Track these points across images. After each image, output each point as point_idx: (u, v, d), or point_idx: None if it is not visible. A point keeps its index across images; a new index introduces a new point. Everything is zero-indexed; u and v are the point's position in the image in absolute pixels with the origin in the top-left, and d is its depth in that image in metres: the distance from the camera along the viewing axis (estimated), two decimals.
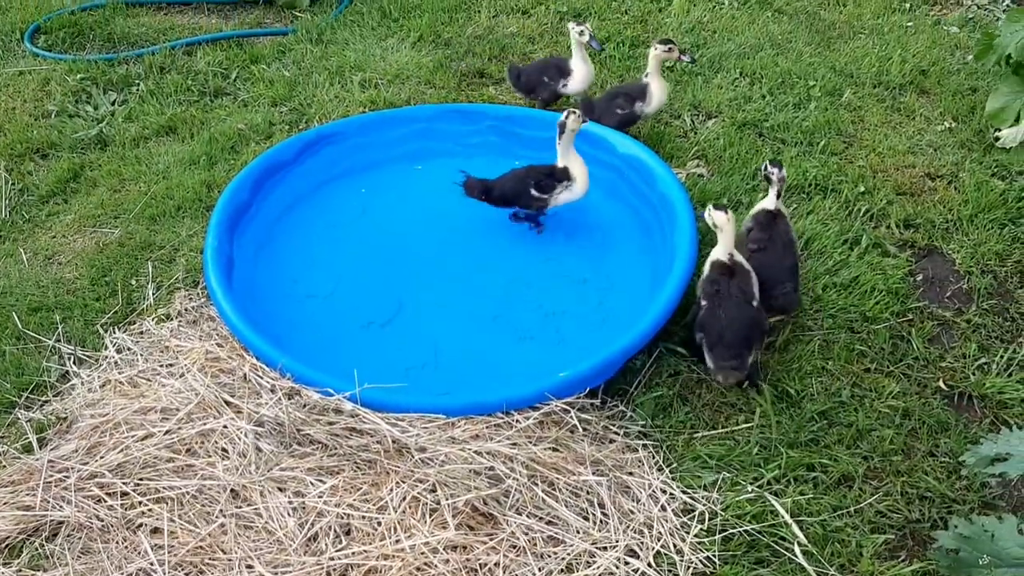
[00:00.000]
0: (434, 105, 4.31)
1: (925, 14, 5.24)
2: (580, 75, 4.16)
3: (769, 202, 3.36)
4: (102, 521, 2.72)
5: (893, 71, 4.68)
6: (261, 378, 3.02)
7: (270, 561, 2.59)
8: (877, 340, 3.33)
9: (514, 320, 3.36)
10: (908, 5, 5.33)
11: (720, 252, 3.18)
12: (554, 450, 2.86)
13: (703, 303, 3.14)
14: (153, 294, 3.57)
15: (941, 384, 3.21)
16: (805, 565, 2.62)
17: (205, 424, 2.91)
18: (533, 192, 3.60)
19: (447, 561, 2.59)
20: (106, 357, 3.30)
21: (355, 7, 5.55)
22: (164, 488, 2.77)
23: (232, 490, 2.75)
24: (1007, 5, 5.32)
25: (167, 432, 2.91)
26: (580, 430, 2.92)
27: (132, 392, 3.11)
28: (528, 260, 3.60)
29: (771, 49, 4.86)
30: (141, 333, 3.39)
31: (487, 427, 2.88)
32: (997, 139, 4.25)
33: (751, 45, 4.89)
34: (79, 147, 4.46)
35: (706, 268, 3.21)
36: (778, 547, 2.69)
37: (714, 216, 3.18)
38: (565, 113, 3.54)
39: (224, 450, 2.87)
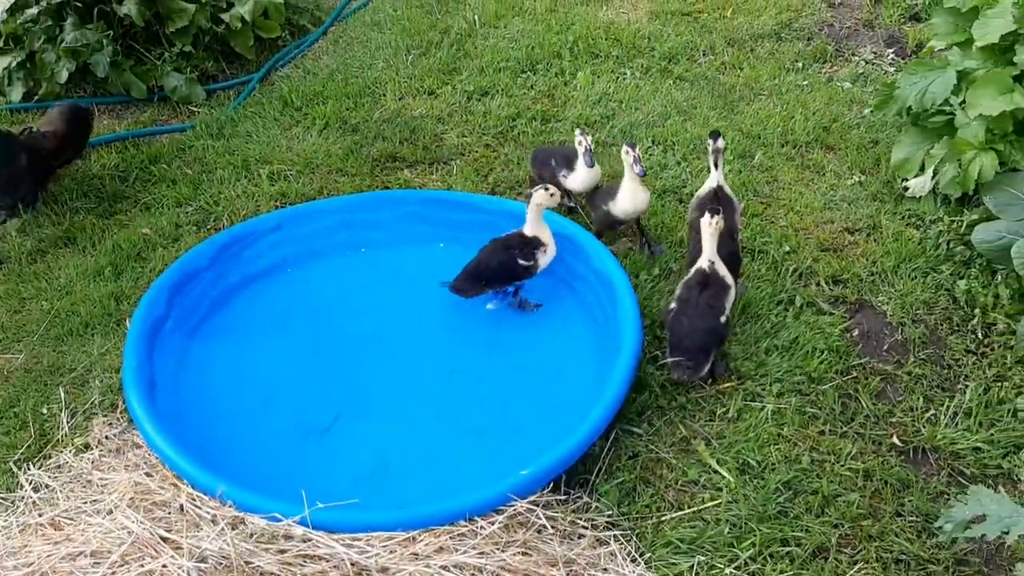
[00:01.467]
0: (348, 196, 4.19)
1: (818, 72, 5.41)
2: (581, 176, 4.06)
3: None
4: None
5: (797, 129, 4.79)
6: (199, 508, 2.80)
7: None
8: (826, 401, 3.33)
9: (462, 415, 3.24)
10: (800, 64, 5.49)
11: (703, 261, 3.31)
12: (524, 554, 2.73)
13: (672, 305, 3.30)
14: (68, 422, 3.33)
15: (895, 440, 3.21)
16: None
17: (143, 566, 2.66)
18: (521, 262, 3.51)
19: None
20: (22, 497, 3.03)
21: (254, 98, 5.41)
22: None
23: None
24: (891, 59, 5.55)
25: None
26: (548, 529, 2.78)
27: (56, 536, 2.85)
28: (468, 350, 3.49)
29: (678, 116, 4.93)
30: (59, 467, 3.15)
31: (450, 538, 2.73)
32: (906, 189, 4.36)
33: (658, 113, 4.94)
34: None
35: (690, 271, 3.33)
36: None
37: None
38: (536, 188, 3.54)
39: None
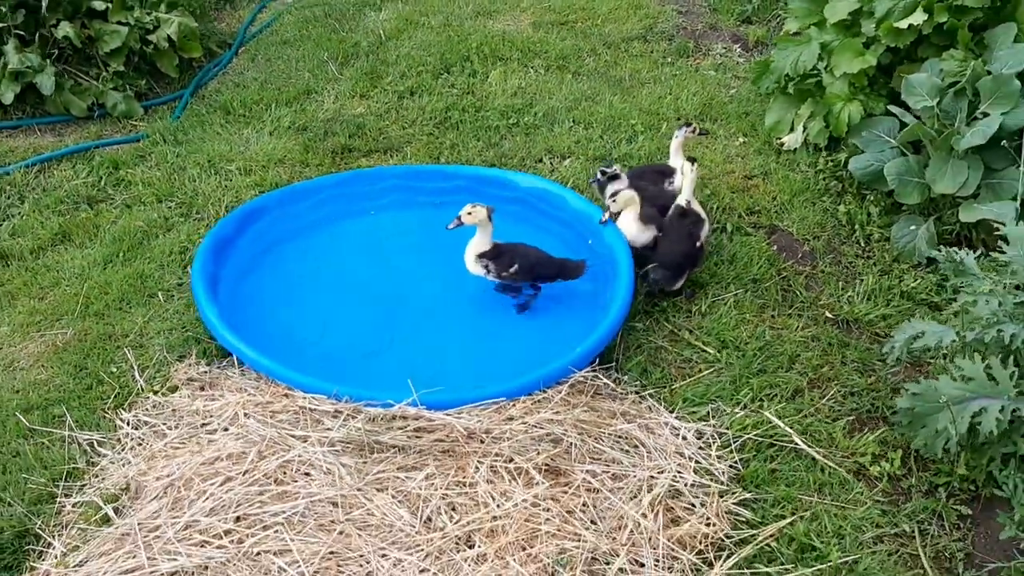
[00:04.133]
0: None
1: (686, 64, 6.44)
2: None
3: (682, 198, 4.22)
4: (217, 560, 2.87)
5: (686, 106, 5.77)
6: (317, 407, 3.29)
7: (400, 545, 2.90)
8: (771, 293, 4.22)
9: (499, 319, 3.88)
10: (670, 59, 6.51)
11: (681, 199, 4.15)
12: (590, 410, 3.41)
13: (658, 232, 4.14)
14: (141, 376, 3.67)
15: (828, 314, 4.14)
16: (806, 447, 3.37)
17: (283, 456, 3.14)
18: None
19: (548, 509, 3.03)
20: (127, 434, 3.39)
21: (192, 110, 5.81)
22: (268, 516, 2.97)
23: (334, 503, 3.02)
24: (739, 52, 6.68)
25: (245, 472, 3.11)
26: (602, 391, 3.49)
27: (181, 452, 3.25)
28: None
29: (587, 101, 5.79)
30: (153, 407, 3.51)
31: (532, 403, 3.38)
32: (782, 144, 5.42)
33: (571, 100, 5.79)
34: None
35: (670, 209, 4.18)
36: (778, 443, 3.41)
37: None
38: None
39: (308, 474, 3.12)
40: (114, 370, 3.71)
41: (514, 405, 3.32)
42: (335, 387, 3.28)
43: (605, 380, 3.55)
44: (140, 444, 3.33)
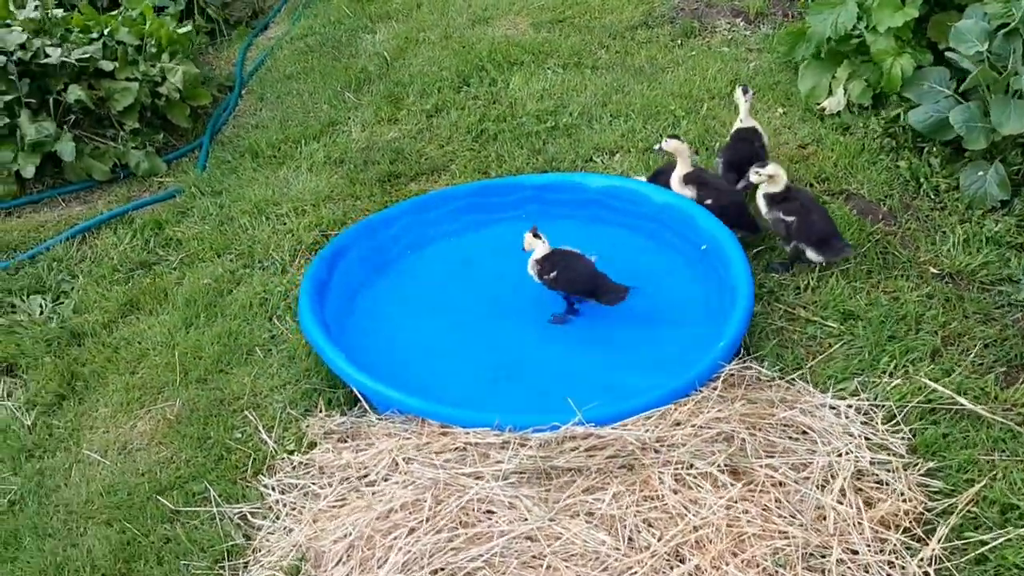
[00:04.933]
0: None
1: (698, 44, 6.41)
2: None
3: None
4: None
5: (713, 85, 5.73)
6: (481, 441, 3.17)
7: (612, 570, 2.79)
8: (872, 258, 4.19)
9: (601, 329, 3.83)
10: (679, 42, 6.47)
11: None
12: (749, 402, 3.34)
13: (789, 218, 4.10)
14: (269, 436, 3.52)
15: (933, 270, 4.12)
16: (972, 406, 3.33)
17: (461, 498, 3.01)
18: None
19: (745, 511, 2.95)
20: (278, 500, 3.24)
21: (217, 158, 5.62)
22: (467, 562, 2.85)
23: (530, 537, 2.90)
24: (743, 25, 6.67)
25: (427, 520, 2.98)
26: (753, 382, 3.42)
27: (347, 510, 3.10)
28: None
29: (618, 95, 5.72)
30: (294, 468, 3.35)
31: (693, 405, 3.29)
32: (823, 110, 5.40)
33: (601, 95, 5.72)
34: (52, 351, 4.15)
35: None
36: (940, 407, 3.37)
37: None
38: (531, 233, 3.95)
39: (491, 512, 3.00)
40: (239, 435, 3.55)
41: (676, 410, 3.23)
42: (496, 417, 3.14)
43: (759, 368, 3.47)
44: (295, 509, 3.17)
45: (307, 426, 3.49)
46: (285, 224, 4.86)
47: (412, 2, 7.47)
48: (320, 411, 3.57)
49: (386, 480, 3.14)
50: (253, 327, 4.14)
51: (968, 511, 2.98)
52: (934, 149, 4.90)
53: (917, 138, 4.98)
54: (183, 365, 3.94)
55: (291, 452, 3.41)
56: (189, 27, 6.16)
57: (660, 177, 4.59)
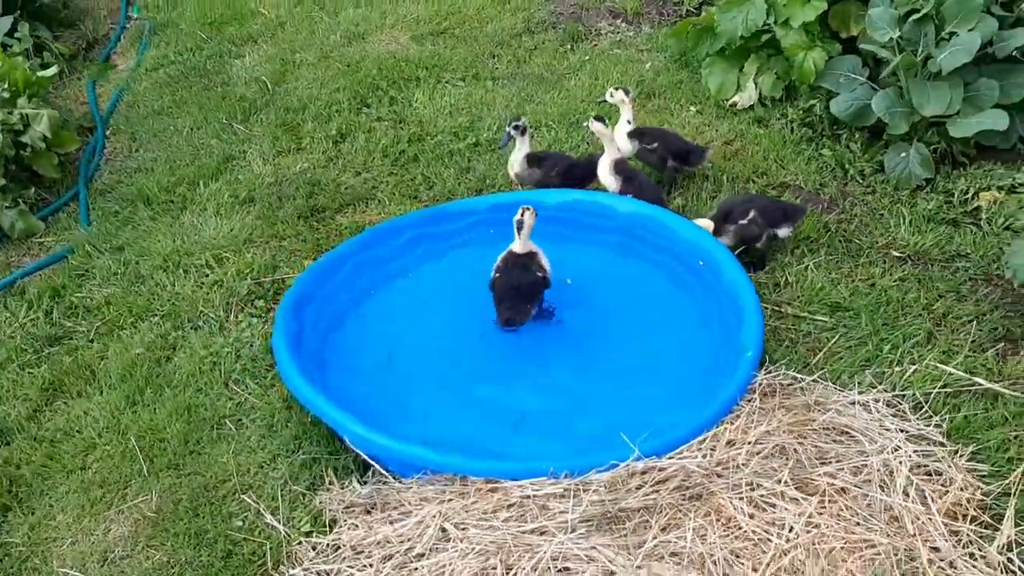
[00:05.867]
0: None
1: (588, 48, 6.35)
2: None
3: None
4: None
5: (636, 88, 5.67)
6: (537, 494, 2.92)
7: None
8: (836, 248, 4.25)
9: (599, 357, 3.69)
10: (569, 46, 6.40)
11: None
12: (785, 410, 3.26)
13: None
14: (277, 520, 3.12)
15: (895, 253, 4.22)
16: (989, 385, 3.40)
17: (533, 557, 2.76)
18: (539, 273, 3.83)
19: (818, 525, 2.87)
20: None
21: (101, 209, 5.02)
22: None
23: (611, 571, 2.69)
24: (625, 26, 6.68)
25: None
26: (781, 388, 3.35)
27: None
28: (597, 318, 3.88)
29: (531, 104, 5.58)
30: (319, 552, 2.99)
31: (736, 420, 3.18)
32: (733, 105, 5.46)
33: (512, 106, 5.55)
34: None
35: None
36: (959, 390, 3.42)
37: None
38: (520, 211, 3.80)
39: (567, 569, 2.77)
40: (240, 523, 3.13)
41: (726, 429, 3.10)
42: (551, 464, 2.90)
43: (780, 373, 3.40)
44: None
45: (320, 502, 3.11)
46: (208, 276, 4.38)
47: (272, 23, 7.01)
48: (329, 483, 3.19)
49: (439, 551, 2.82)
50: (211, 397, 3.69)
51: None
52: (854, 135, 5.03)
53: (834, 126, 5.11)
54: (144, 451, 3.44)
55: (308, 534, 3.04)
56: (54, 69, 5.47)
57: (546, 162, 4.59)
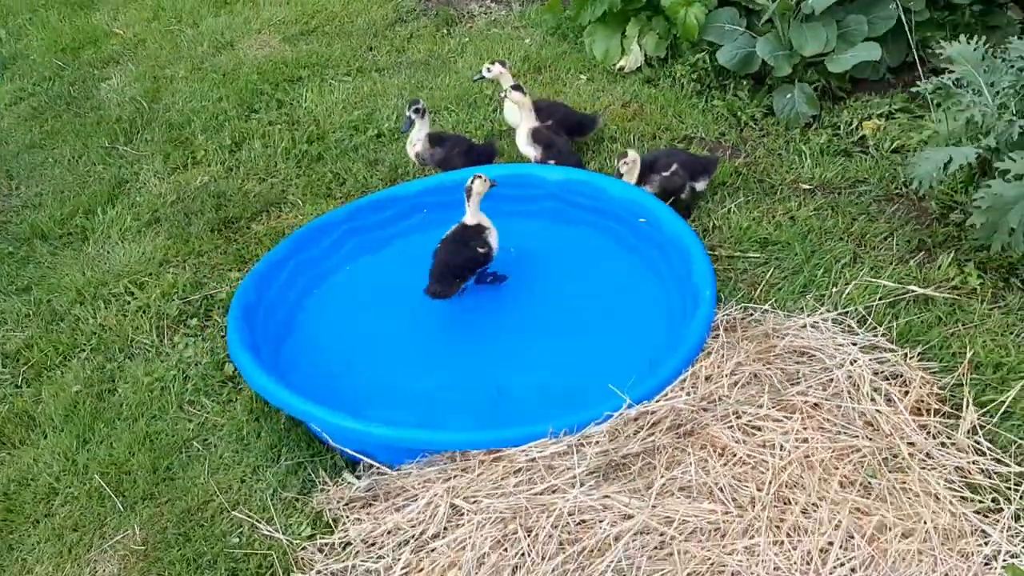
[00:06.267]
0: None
1: (467, 31, 6.39)
2: None
3: None
4: None
5: (521, 65, 5.75)
6: (541, 455, 2.97)
7: (734, 534, 2.76)
8: (752, 188, 4.47)
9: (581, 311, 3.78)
10: (446, 31, 6.42)
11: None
12: (749, 340, 3.42)
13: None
14: (276, 530, 3.06)
15: (805, 187, 4.46)
16: (922, 290, 3.66)
17: (550, 517, 2.82)
18: (480, 250, 3.86)
19: (805, 440, 3.03)
20: None
21: None
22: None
23: (643, 531, 2.78)
24: (495, 7, 6.76)
25: (528, 551, 2.76)
26: (737, 323, 3.51)
27: (435, 568, 2.79)
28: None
29: (423, 91, 5.57)
30: (329, 552, 2.95)
31: (708, 357, 3.32)
32: (622, 69, 5.63)
33: (406, 95, 5.53)
34: None
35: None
36: (895, 299, 3.67)
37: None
38: (471, 178, 3.84)
39: (583, 522, 2.84)
40: (237, 540, 3.05)
41: (701, 367, 3.23)
42: (549, 425, 2.95)
43: (744, 307, 3.56)
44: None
45: (317, 503, 3.06)
46: (129, 303, 4.21)
47: (131, 41, 6.74)
48: (323, 483, 3.14)
49: (455, 527, 2.83)
50: (168, 422, 3.56)
51: (972, 379, 3.25)
52: (740, 83, 5.27)
53: (720, 76, 5.33)
54: (112, 487, 3.29)
55: (310, 537, 2.99)
56: None
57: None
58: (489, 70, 4.69)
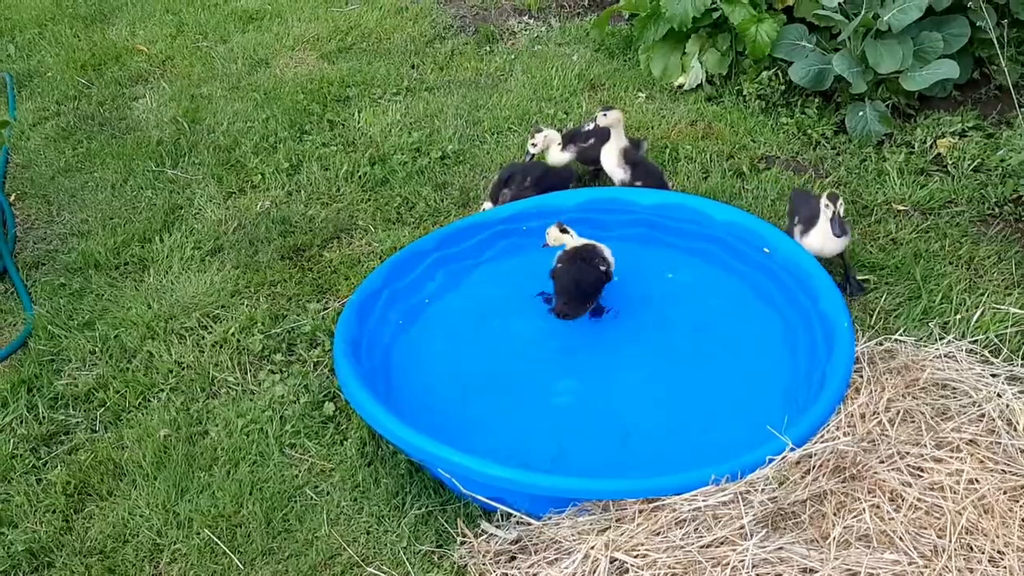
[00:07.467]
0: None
1: (512, 49, 6.23)
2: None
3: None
4: None
5: (568, 85, 5.61)
6: (705, 504, 2.80)
7: None
8: (848, 209, 4.32)
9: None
10: (488, 48, 6.26)
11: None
12: (892, 374, 3.28)
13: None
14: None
15: (899, 207, 4.35)
16: None
17: (725, 571, 2.65)
18: (602, 268, 3.71)
19: (972, 480, 2.90)
20: None
21: (46, 283, 4.45)
22: None
23: (809, 568, 2.62)
24: (532, 24, 6.61)
25: None
26: (874, 354, 3.37)
27: None
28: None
29: (481, 111, 5.38)
30: None
31: (857, 394, 3.17)
32: (681, 87, 5.50)
33: (464, 115, 5.36)
34: None
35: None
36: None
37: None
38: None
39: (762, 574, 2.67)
40: None
41: (852, 404, 3.08)
42: (712, 471, 2.78)
43: (873, 341, 3.41)
44: None
45: (460, 557, 2.86)
46: (205, 337, 3.97)
47: (157, 58, 6.48)
48: (461, 534, 2.93)
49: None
50: (272, 469, 3.34)
51: None
52: (808, 101, 5.16)
53: (786, 94, 5.22)
54: (226, 541, 3.05)
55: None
56: None
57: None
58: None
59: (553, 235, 3.72)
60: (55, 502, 3.28)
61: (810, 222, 3.69)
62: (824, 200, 3.62)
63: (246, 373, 3.78)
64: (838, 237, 3.62)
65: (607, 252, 3.65)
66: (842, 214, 3.66)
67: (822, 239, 3.63)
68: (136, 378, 3.79)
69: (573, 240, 3.68)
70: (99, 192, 5.05)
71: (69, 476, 3.37)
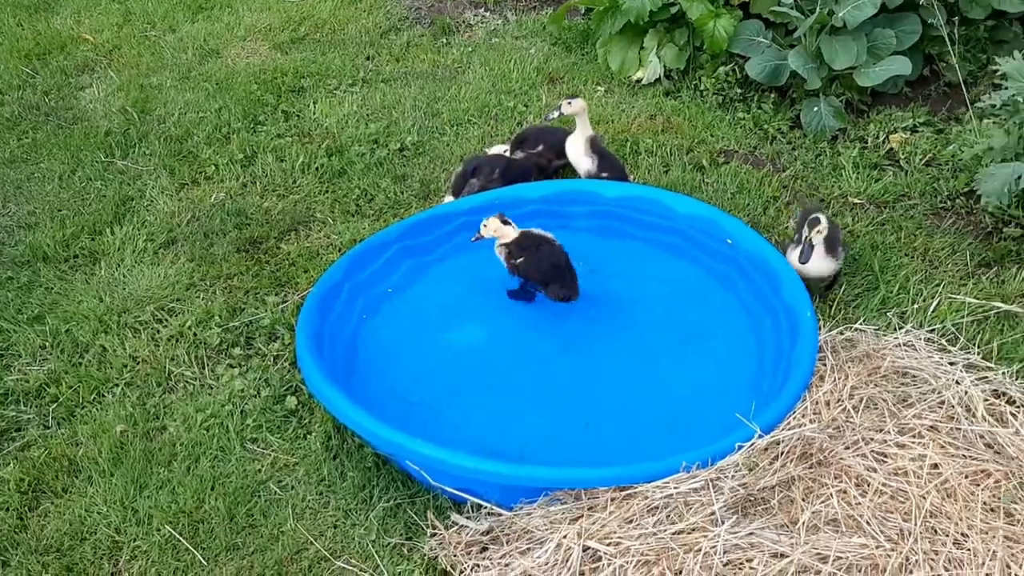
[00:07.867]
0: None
1: (468, 40, 6.20)
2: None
3: None
4: None
5: (526, 77, 5.60)
6: (676, 491, 2.81)
7: (894, 569, 2.65)
8: (806, 203, 4.38)
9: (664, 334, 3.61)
10: (446, 40, 6.21)
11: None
12: (852, 363, 3.32)
13: None
14: None
15: (854, 200, 4.42)
16: (1007, 307, 3.62)
17: (697, 557, 2.66)
18: (558, 243, 3.73)
19: (935, 465, 2.95)
20: None
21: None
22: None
23: (802, 570, 2.65)
24: (489, 17, 6.58)
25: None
26: (835, 342, 3.42)
27: None
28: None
29: (439, 103, 5.35)
30: None
31: (821, 381, 3.21)
32: (639, 81, 5.53)
33: (422, 107, 5.31)
34: None
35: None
36: (980, 316, 3.63)
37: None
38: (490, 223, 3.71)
39: (733, 560, 2.69)
40: None
41: (817, 392, 3.12)
42: (682, 459, 2.79)
43: (843, 327, 3.46)
44: None
45: (431, 548, 2.82)
46: (160, 331, 3.88)
47: (103, 47, 6.32)
48: (432, 526, 2.90)
49: (592, 571, 2.64)
50: (234, 464, 3.27)
51: None
52: (766, 96, 5.22)
53: (743, 89, 5.27)
54: (188, 538, 2.98)
55: None
56: None
57: (524, 144, 4.51)
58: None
59: (493, 226, 3.65)
60: (8, 500, 3.17)
61: (798, 242, 3.68)
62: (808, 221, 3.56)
63: (204, 367, 3.70)
64: (802, 264, 3.54)
65: (550, 234, 3.65)
66: (818, 241, 3.58)
67: (794, 261, 3.62)
68: (89, 373, 3.68)
69: (513, 232, 3.64)
70: (46, 183, 4.90)
71: (22, 473, 3.26)
